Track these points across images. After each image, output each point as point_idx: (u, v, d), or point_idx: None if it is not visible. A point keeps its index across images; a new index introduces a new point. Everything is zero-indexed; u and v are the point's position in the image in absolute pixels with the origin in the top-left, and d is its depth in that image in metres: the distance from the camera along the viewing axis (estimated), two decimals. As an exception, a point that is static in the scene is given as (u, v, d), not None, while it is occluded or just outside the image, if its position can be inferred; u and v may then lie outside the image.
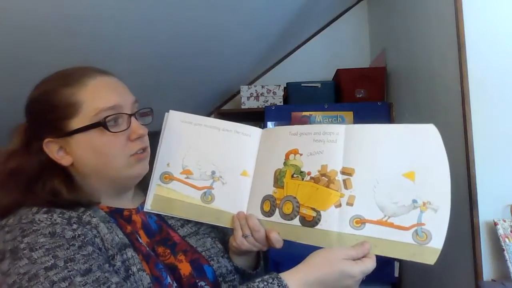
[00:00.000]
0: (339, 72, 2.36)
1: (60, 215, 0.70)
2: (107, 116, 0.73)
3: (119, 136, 0.75)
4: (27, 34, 1.43)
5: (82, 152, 0.75)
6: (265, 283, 0.67)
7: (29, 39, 1.46)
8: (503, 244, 1.23)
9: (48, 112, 0.75)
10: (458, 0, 1.39)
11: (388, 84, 2.34)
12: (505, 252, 1.22)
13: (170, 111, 0.88)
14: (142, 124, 0.79)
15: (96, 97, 0.74)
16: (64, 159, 0.76)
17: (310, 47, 2.80)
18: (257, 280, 0.68)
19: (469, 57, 1.36)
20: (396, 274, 2.07)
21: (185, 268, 0.79)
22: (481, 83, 1.35)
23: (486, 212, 1.31)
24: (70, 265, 0.63)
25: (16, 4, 1.29)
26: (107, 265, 0.67)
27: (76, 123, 0.74)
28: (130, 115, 0.76)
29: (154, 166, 0.87)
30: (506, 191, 1.31)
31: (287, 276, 0.69)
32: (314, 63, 2.72)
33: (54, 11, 1.39)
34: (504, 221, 1.27)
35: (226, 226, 0.85)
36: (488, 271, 1.29)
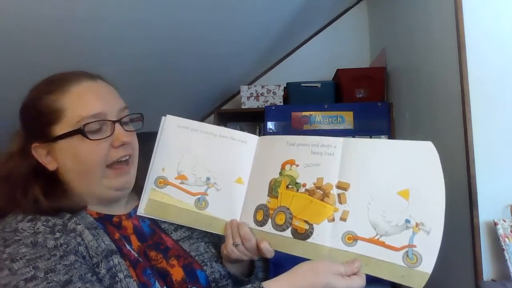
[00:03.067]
0: (339, 72, 2.36)
1: (44, 223, 0.70)
2: (87, 124, 0.73)
3: (101, 143, 0.74)
4: (25, 36, 1.43)
5: (65, 158, 0.75)
6: None
7: (27, 41, 1.46)
8: (503, 244, 1.23)
9: (34, 118, 0.76)
10: (458, 0, 1.39)
11: (388, 84, 2.34)
12: (505, 252, 1.22)
13: (167, 115, 0.88)
14: (129, 131, 0.78)
15: (79, 104, 0.74)
16: (50, 164, 0.76)
17: (310, 47, 2.80)
18: None
19: (469, 57, 1.36)
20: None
21: (177, 274, 0.78)
22: (481, 83, 1.35)
23: (486, 212, 1.31)
24: (50, 276, 0.63)
25: (14, 7, 1.29)
26: (89, 274, 0.67)
27: (59, 129, 0.74)
28: (114, 122, 0.75)
29: (149, 170, 0.86)
30: (506, 191, 1.31)
31: (271, 284, 0.68)
32: (314, 63, 2.71)
33: (52, 13, 1.38)
34: (504, 221, 1.27)
35: (219, 233, 0.84)
36: (488, 271, 1.30)
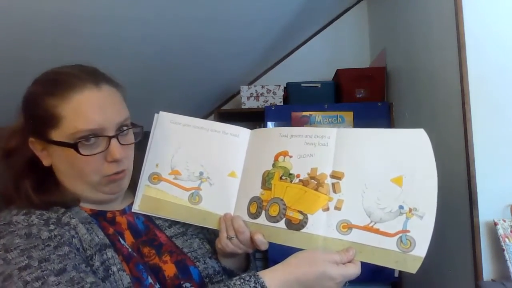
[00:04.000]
0: (339, 72, 2.36)
1: (38, 216, 0.70)
2: (81, 138, 0.72)
3: (95, 157, 0.74)
4: (25, 33, 1.43)
5: (59, 161, 0.76)
6: (242, 280, 0.67)
7: (28, 38, 1.46)
8: (503, 244, 1.23)
9: (32, 115, 0.76)
10: (458, 0, 1.39)
11: (388, 84, 2.33)
12: (505, 252, 1.22)
13: (160, 112, 0.88)
14: (125, 144, 0.77)
15: (78, 115, 0.72)
16: (45, 160, 0.76)
17: (310, 47, 2.80)
18: (234, 278, 0.68)
19: (469, 57, 1.36)
20: (396, 274, 2.07)
21: (169, 269, 0.78)
22: (481, 83, 1.35)
23: (486, 212, 1.31)
24: (44, 265, 0.63)
25: (15, 2, 1.29)
26: (83, 265, 0.67)
27: (55, 135, 0.73)
28: (111, 137, 0.74)
29: (143, 166, 0.86)
30: (506, 191, 1.31)
31: (266, 274, 0.68)
32: (314, 63, 2.71)
33: (53, 9, 1.38)
34: (504, 221, 1.27)
35: (213, 228, 0.84)
36: (488, 271, 1.29)
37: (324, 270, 0.68)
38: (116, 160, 0.75)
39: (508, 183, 1.32)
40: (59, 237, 0.68)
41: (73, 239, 0.70)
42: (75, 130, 0.72)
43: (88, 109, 0.73)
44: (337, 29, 2.78)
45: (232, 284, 0.67)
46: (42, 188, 0.75)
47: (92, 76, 0.76)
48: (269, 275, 0.68)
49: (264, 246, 0.78)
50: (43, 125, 0.74)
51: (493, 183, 1.32)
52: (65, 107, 0.72)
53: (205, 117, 2.88)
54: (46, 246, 0.66)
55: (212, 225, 0.84)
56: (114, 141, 0.75)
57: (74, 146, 0.72)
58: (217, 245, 0.83)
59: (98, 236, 0.73)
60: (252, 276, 0.67)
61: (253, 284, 0.66)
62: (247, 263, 0.91)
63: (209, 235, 0.91)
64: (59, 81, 0.75)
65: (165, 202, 0.85)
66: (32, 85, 0.77)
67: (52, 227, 0.69)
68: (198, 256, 0.83)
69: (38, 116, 0.74)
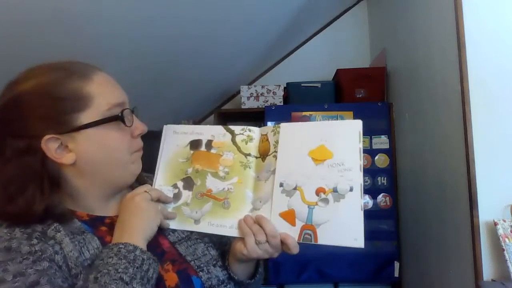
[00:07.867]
0: (339, 72, 2.36)
1: (22, 229, 0.66)
2: (124, 110, 0.72)
3: (125, 132, 0.74)
4: (24, 30, 1.42)
5: (89, 147, 0.70)
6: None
7: (26, 35, 1.45)
8: (503, 244, 1.23)
9: (49, 105, 0.68)
10: (458, 0, 1.39)
11: (388, 84, 2.34)
12: (505, 252, 1.22)
13: (164, 126, 0.88)
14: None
15: (106, 92, 0.72)
16: (64, 158, 0.69)
17: (310, 47, 2.80)
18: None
19: (469, 57, 1.36)
20: (396, 274, 2.07)
21: (170, 279, 0.74)
22: (481, 83, 1.35)
23: (486, 212, 1.31)
24: (18, 279, 0.60)
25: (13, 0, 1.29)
26: (60, 280, 0.63)
27: (87, 117, 0.69)
28: (132, 112, 0.75)
29: (154, 176, 0.85)
30: (506, 191, 1.31)
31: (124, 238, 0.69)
32: (314, 63, 2.72)
33: (52, 6, 1.38)
34: (504, 221, 1.27)
35: (234, 236, 0.79)
36: (488, 271, 1.29)
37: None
38: (143, 131, 0.76)
39: (508, 183, 1.32)
40: (40, 253, 0.64)
41: (56, 255, 0.65)
42: (109, 106, 0.71)
43: (110, 85, 0.74)
44: (337, 29, 2.78)
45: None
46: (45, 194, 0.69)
47: (89, 63, 0.76)
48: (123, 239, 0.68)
49: (296, 250, 0.75)
50: (68, 111, 0.68)
51: (493, 183, 1.32)
52: (90, 87, 0.70)
53: (206, 117, 2.89)
54: (25, 259, 0.62)
55: (230, 233, 0.79)
56: (134, 116, 0.76)
57: (120, 117, 0.71)
58: (240, 251, 0.77)
59: (89, 251, 0.69)
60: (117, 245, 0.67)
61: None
62: (255, 269, 0.87)
63: (215, 238, 0.86)
64: (70, 67, 0.72)
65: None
66: (31, 77, 0.70)
67: (34, 241, 0.65)
68: (202, 265, 0.79)
69: (59, 103, 0.68)
